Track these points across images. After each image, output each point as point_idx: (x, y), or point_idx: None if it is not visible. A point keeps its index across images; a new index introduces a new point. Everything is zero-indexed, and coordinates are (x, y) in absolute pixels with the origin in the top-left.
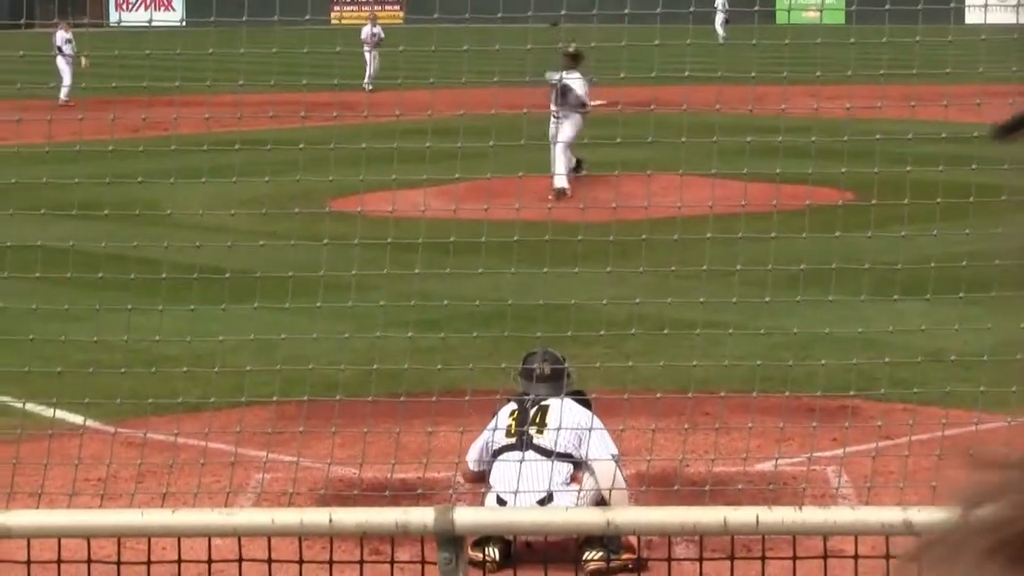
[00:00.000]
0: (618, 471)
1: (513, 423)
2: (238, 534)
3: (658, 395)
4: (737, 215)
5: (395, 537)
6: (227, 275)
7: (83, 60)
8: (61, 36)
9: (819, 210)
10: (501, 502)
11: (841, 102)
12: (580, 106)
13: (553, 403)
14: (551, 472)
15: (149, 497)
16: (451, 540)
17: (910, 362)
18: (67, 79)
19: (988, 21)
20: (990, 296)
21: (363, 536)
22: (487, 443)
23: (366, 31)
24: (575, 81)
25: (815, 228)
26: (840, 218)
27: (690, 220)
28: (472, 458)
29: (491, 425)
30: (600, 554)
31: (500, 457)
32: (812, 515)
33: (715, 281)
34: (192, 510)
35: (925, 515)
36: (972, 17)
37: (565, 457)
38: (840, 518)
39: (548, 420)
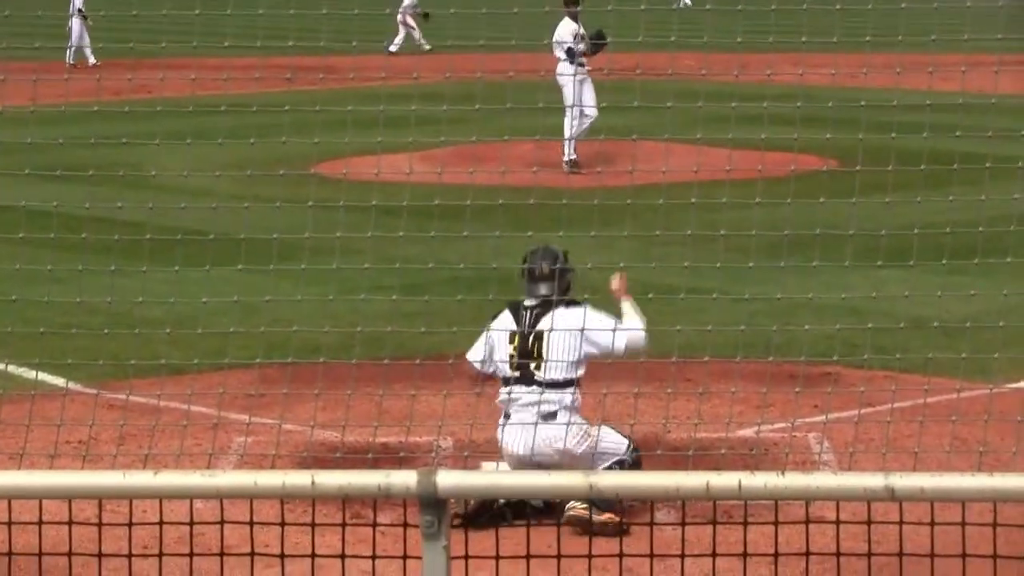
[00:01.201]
0: (622, 334)
1: (515, 353)
2: (220, 496)
3: (641, 360)
4: (722, 181)
5: (377, 500)
6: (211, 237)
7: (88, 21)
8: None
9: (803, 177)
10: (507, 415)
11: (826, 69)
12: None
13: (545, 325)
14: (553, 395)
15: (130, 459)
16: (434, 503)
17: (892, 329)
18: (75, 40)
19: None
20: (973, 264)
21: (345, 499)
22: (491, 354)
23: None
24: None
25: (799, 195)
26: (824, 185)
27: (675, 186)
28: (477, 358)
29: (488, 336)
30: (584, 505)
31: (511, 394)
32: (795, 480)
33: (699, 247)
34: (174, 472)
35: (908, 481)
36: None
37: (564, 385)
38: (823, 484)
39: (544, 351)
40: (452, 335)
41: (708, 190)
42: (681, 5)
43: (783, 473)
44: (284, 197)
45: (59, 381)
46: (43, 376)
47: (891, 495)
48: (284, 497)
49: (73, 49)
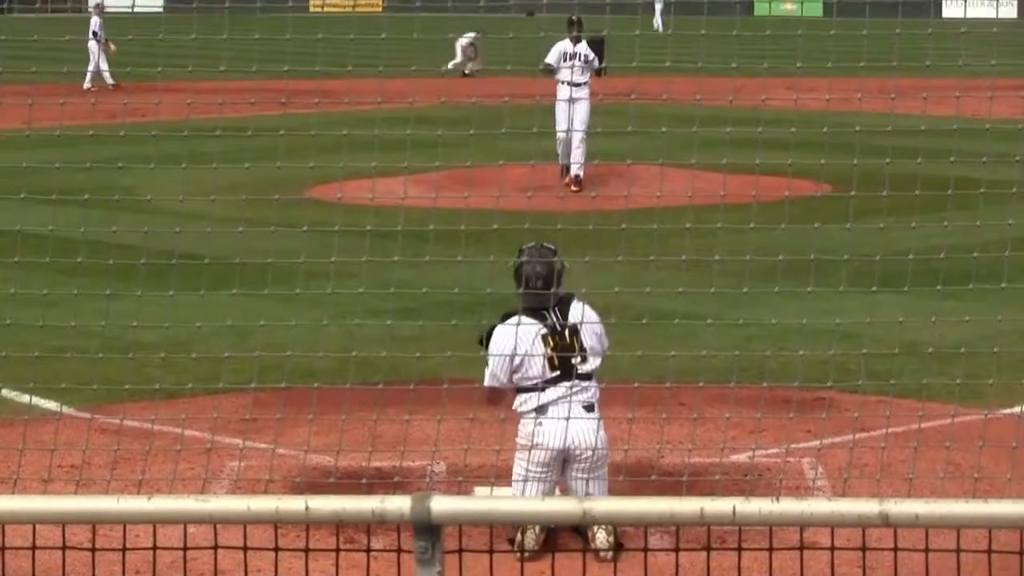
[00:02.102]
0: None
1: (554, 355)
2: (213, 521)
3: (635, 385)
4: (716, 206)
5: (371, 526)
6: (206, 261)
7: (111, 46)
8: (96, 21)
9: (798, 201)
10: (542, 410)
11: (820, 94)
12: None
13: (575, 317)
14: (589, 388)
15: (124, 484)
16: (428, 529)
17: (887, 354)
18: (93, 64)
19: (968, 15)
20: (967, 289)
21: (339, 524)
22: (521, 368)
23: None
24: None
25: (794, 219)
26: (818, 210)
27: (669, 210)
28: (498, 380)
29: (513, 350)
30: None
31: (547, 395)
32: (789, 506)
33: (693, 271)
34: (168, 497)
35: (902, 507)
36: (950, 11)
37: (593, 375)
38: (817, 509)
39: (584, 343)
40: (446, 360)
41: (702, 215)
42: (655, 28)
43: (777, 499)
44: (279, 221)
45: (53, 405)
46: (37, 400)
47: (885, 521)
48: (278, 522)
49: (105, 73)
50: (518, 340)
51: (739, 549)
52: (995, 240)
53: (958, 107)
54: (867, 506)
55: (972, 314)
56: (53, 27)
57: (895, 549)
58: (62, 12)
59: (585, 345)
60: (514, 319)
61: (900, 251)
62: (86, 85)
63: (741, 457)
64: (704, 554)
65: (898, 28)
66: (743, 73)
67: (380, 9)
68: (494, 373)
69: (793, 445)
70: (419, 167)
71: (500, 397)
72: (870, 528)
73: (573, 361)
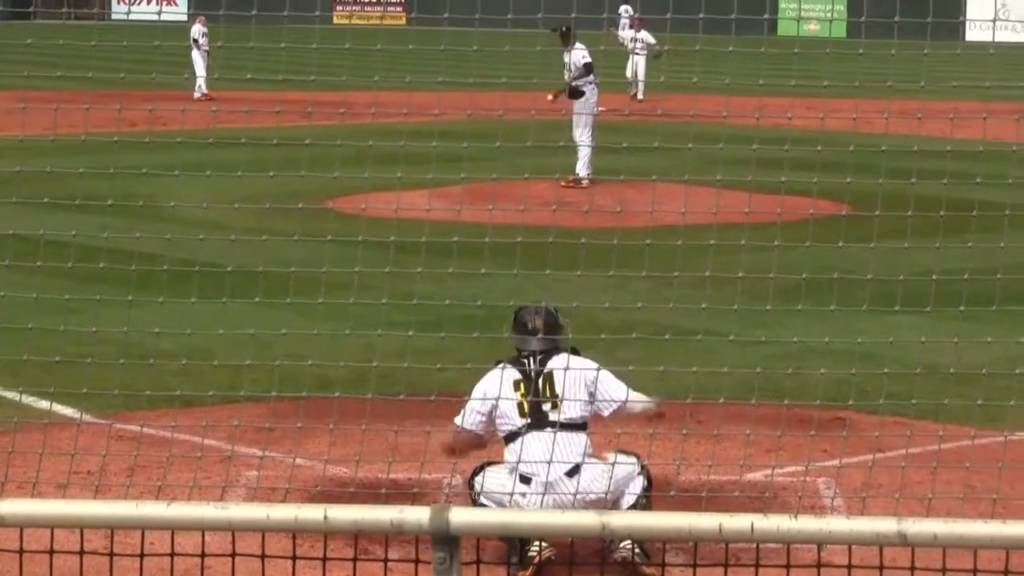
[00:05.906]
0: (634, 399)
1: (524, 401)
2: (232, 528)
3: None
4: (740, 224)
5: (388, 536)
6: (228, 270)
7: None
8: (197, 29)
9: (822, 221)
10: (525, 480)
11: (847, 114)
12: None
13: (555, 365)
14: (571, 444)
15: (140, 491)
16: (446, 540)
17: (907, 375)
18: (200, 71)
19: (988, 39)
20: (989, 311)
21: (357, 534)
22: (490, 414)
23: None
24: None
25: (817, 239)
26: (843, 229)
27: (693, 228)
28: (466, 421)
29: (486, 393)
30: (637, 550)
31: (516, 438)
32: (807, 524)
33: (716, 289)
34: (187, 503)
35: (920, 527)
36: (973, 35)
37: (579, 428)
38: (835, 528)
39: (557, 389)
40: (467, 372)
41: (726, 232)
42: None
43: (796, 516)
44: (302, 231)
45: (72, 411)
46: (56, 406)
47: (904, 540)
48: (296, 531)
49: (203, 79)
50: (498, 385)
51: (756, 566)
52: (1018, 263)
53: (984, 129)
54: (886, 525)
55: (994, 336)
56: (78, 33)
57: (912, 568)
58: (87, 19)
59: (558, 391)
60: (500, 366)
61: (923, 272)
62: (196, 94)
63: (759, 475)
64: (721, 571)
65: (926, 49)
66: (770, 92)
67: (404, 21)
68: (464, 413)
69: (811, 464)
70: (443, 179)
71: (463, 444)
72: (887, 547)
73: (544, 408)
